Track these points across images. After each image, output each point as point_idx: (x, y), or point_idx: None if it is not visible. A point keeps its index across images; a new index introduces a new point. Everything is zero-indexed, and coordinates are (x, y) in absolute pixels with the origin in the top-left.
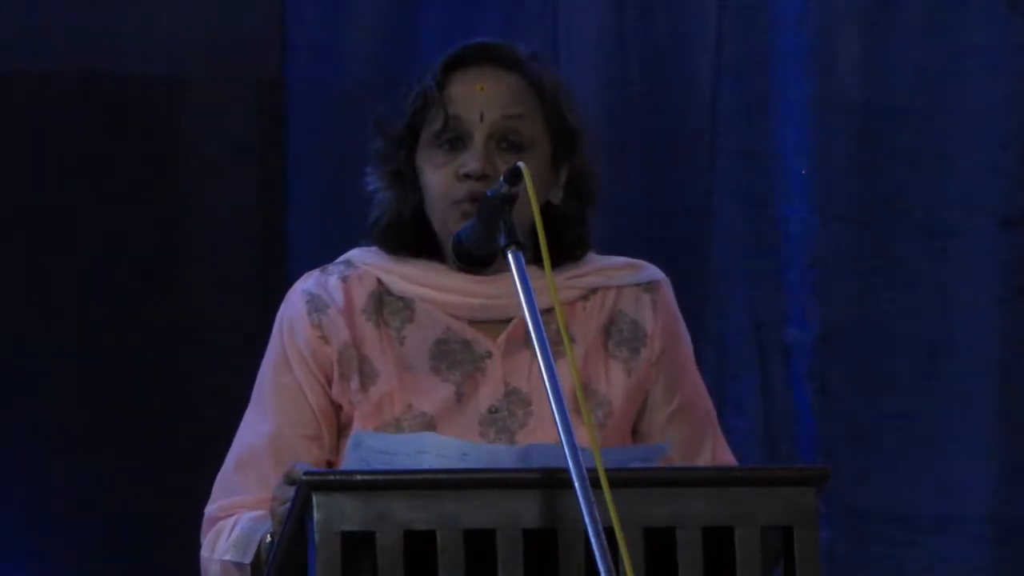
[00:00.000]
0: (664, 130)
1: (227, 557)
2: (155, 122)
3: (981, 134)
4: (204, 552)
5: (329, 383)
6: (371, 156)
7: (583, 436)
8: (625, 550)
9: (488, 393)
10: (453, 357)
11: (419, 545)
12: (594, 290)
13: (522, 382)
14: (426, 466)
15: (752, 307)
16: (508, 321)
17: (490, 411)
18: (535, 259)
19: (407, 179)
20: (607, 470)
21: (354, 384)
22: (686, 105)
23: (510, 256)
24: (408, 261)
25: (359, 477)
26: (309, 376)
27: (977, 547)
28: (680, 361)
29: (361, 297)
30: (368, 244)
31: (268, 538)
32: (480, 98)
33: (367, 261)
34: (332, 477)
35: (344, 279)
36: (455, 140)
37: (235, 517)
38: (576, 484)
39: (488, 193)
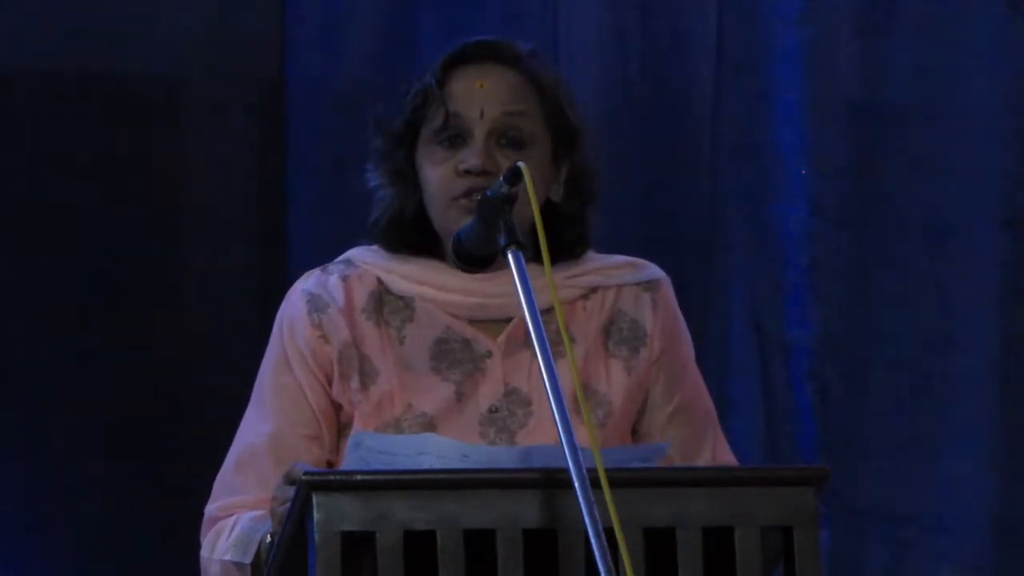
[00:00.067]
0: (664, 130)
1: (227, 557)
2: (155, 122)
3: (981, 134)
4: (204, 552)
5: (329, 383)
6: (371, 154)
7: (583, 436)
8: (625, 550)
9: (488, 393)
10: (453, 356)
11: (419, 545)
12: (594, 289)
13: (522, 382)
14: (426, 467)
15: (753, 308)
16: (508, 320)
17: (490, 411)
18: (535, 257)
19: (407, 177)
20: (607, 470)
21: (354, 384)
22: (686, 105)
23: (510, 256)
24: (408, 260)
25: (359, 477)
26: (309, 376)
27: (977, 547)
28: (680, 360)
29: (361, 296)
30: (368, 243)
31: (268, 538)
32: (480, 95)
33: (367, 260)
34: (332, 477)
35: (344, 278)
36: (455, 137)
37: (235, 517)
38: (576, 484)
39: (488, 193)
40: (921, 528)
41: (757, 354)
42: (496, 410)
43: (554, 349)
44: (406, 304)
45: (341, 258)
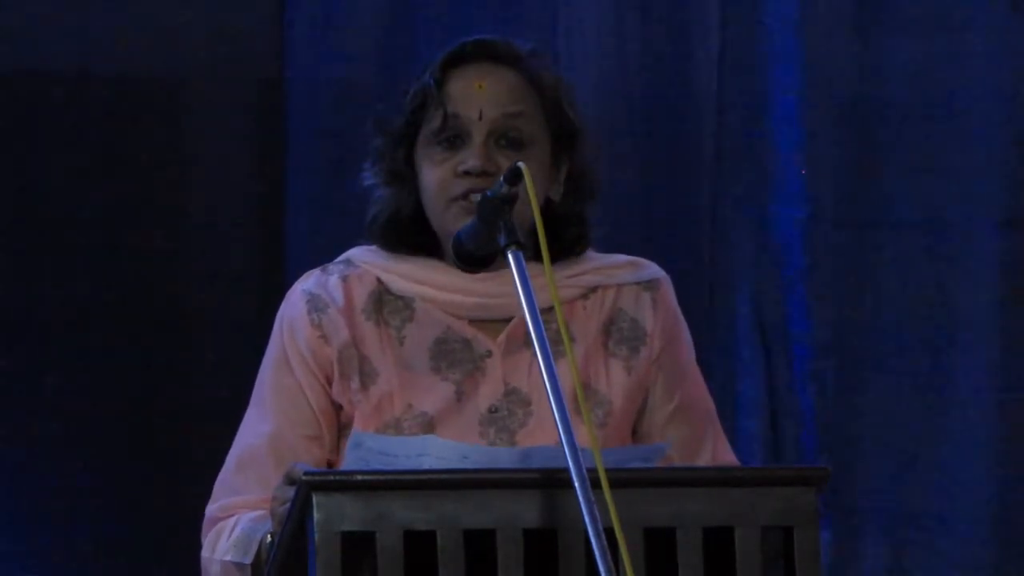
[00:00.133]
0: (665, 131)
1: (227, 557)
2: (155, 122)
3: (981, 134)
4: (205, 552)
5: (329, 383)
6: (370, 153)
7: (583, 436)
8: (625, 550)
9: (488, 393)
10: (453, 356)
11: (419, 545)
12: (594, 289)
13: (522, 382)
14: (426, 468)
15: (757, 309)
16: (508, 320)
17: (490, 411)
18: (535, 257)
19: (405, 177)
20: (607, 470)
21: (354, 384)
22: (687, 106)
23: (510, 256)
24: (408, 259)
25: (359, 477)
26: (309, 376)
27: (978, 548)
28: (680, 360)
29: (361, 297)
30: (368, 243)
31: (268, 538)
32: (479, 96)
33: (367, 260)
34: (332, 477)
35: (344, 279)
36: (454, 138)
37: (235, 517)
38: (576, 484)
39: (488, 193)
40: (922, 528)
41: (763, 355)
42: (496, 410)
43: (554, 349)
44: (406, 304)
45: (341, 258)
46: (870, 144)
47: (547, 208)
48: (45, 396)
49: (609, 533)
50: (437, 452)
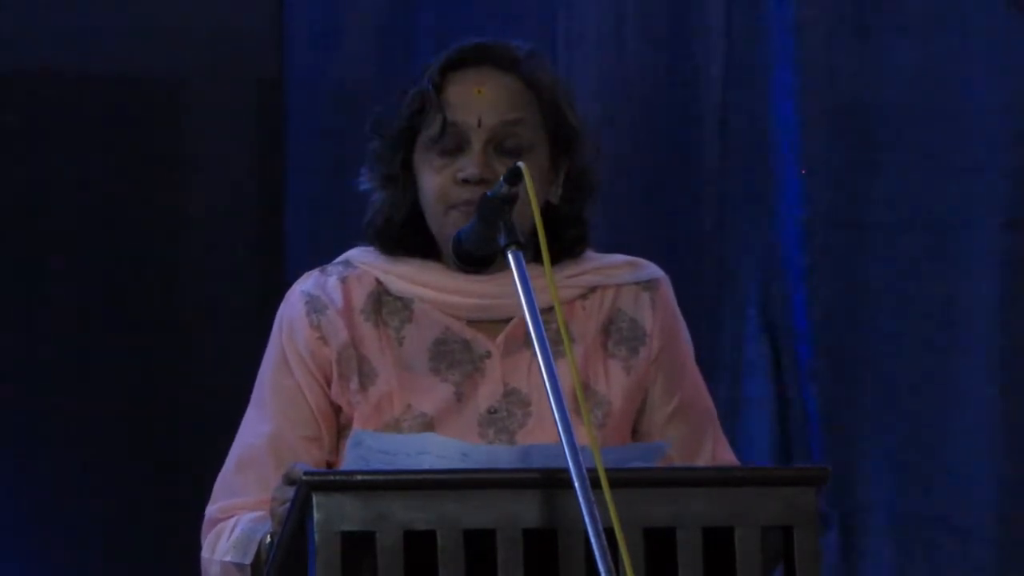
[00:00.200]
0: (668, 131)
1: (227, 558)
2: (155, 122)
3: (982, 135)
4: (204, 553)
5: (328, 384)
6: (367, 156)
7: (583, 436)
8: (625, 550)
9: (487, 393)
10: (452, 357)
11: (419, 545)
12: (593, 289)
13: (521, 382)
14: (426, 466)
15: (764, 309)
16: (507, 321)
17: (489, 411)
18: (534, 258)
19: (403, 180)
20: (607, 470)
21: (353, 385)
22: (690, 106)
23: (510, 256)
24: (406, 261)
25: (359, 477)
26: (308, 377)
27: (981, 548)
28: (679, 360)
29: (360, 297)
30: (367, 244)
31: (268, 538)
32: (478, 102)
33: (366, 261)
34: (332, 477)
35: (343, 279)
36: (453, 145)
37: (235, 518)
38: (576, 484)
39: (488, 193)
40: (925, 528)
41: (769, 355)
42: (495, 411)
43: (553, 349)
44: (405, 305)
45: (340, 259)
46: (870, 144)
47: (546, 210)
48: (45, 396)
49: (609, 533)
50: (437, 450)
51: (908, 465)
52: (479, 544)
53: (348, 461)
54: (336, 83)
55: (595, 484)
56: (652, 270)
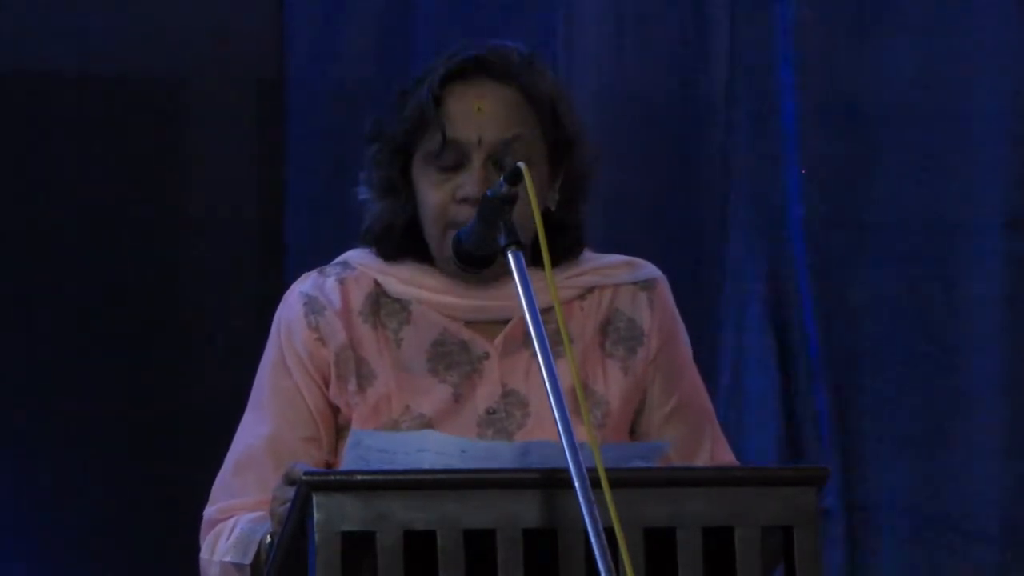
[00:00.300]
0: (668, 130)
1: (227, 559)
2: (155, 122)
3: (985, 134)
4: (203, 554)
5: (327, 385)
6: (366, 161)
7: (582, 436)
8: (625, 550)
9: (485, 394)
10: (450, 358)
11: (419, 545)
12: (591, 289)
13: (519, 383)
14: (425, 464)
15: (764, 309)
16: (505, 322)
17: (488, 412)
18: (533, 261)
19: (401, 189)
20: (607, 470)
21: (351, 386)
22: (690, 106)
23: (510, 256)
24: (403, 263)
25: (359, 477)
26: (307, 378)
27: (987, 547)
28: (677, 360)
29: (358, 299)
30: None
31: (268, 539)
32: (478, 120)
33: (364, 262)
34: (332, 477)
35: (341, 281)
36: (452, 162)
37: (234, 519)
38: (576, 484)
39: (488, 193)
40: (932, 527)
41: (775, 353)
42: (494, 412)
43: (552, 349)
44: (403, 306)
45: (338, 260)
46: (870, 144)
47: (544, 216)
48: (45, 396)
49: (609, 533)
50: (436, 447)
51: (912, 465)
52: (479, 544)
53: (347, 461)
54: (336, 83)
55: (595, 484)
56: (650, 270)
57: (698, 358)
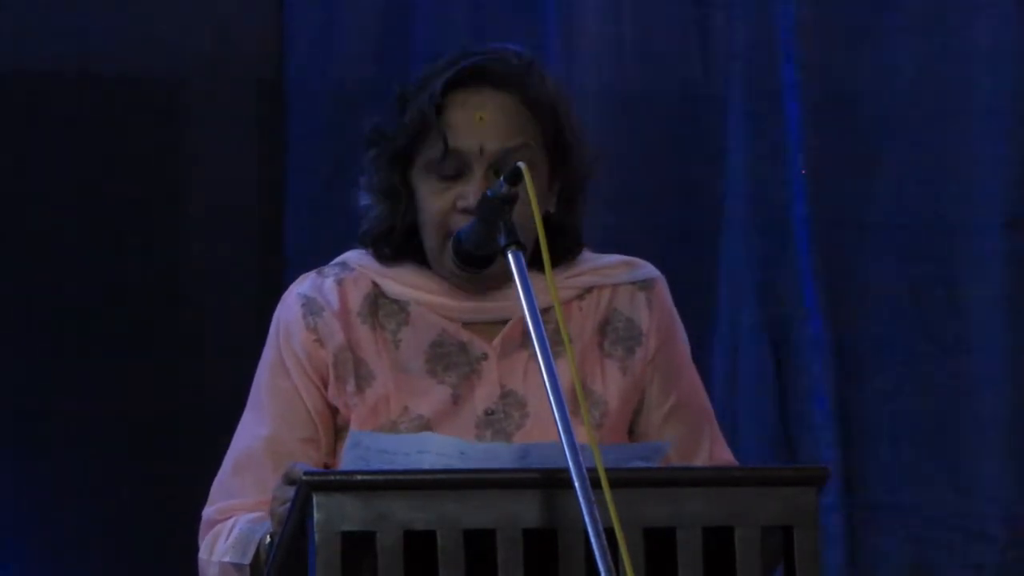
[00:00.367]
0: (668, 130)
1: (226, 559)
2: (155, 122)
3: (985, 134)
4: (202, 555)
5: (325, 386)
6: (365, 165)
7: (581, 436)
8: (625, 550)
9: (484, 395)
10: (449, 359)
11: (419, 545)
12: (589, 289)
13: (518, 384)
14: (425, 465)
15: (769, 308)
16: (503, 323)
17: (486, 413)
18: (532, 262)
19: (400, 194)
20: (607, 470)
21: (350, 387)
22: (689, 106)
23: (510, 256)
24: (402, 265)
25: (359, 477)
26: (305, 379)
27: (986, 547)
28: (676, 360)
29: (356, 300)
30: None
31: (268, 539)
32: (479, 129)
33: (363, 263)
34: (332, 477)
35: (340, 282)
36: (453, 171)
37: (233, 519)
38: (576, 484)
39: (488, 193)
40: (932, 527)
41: (770, 353)
42: (492, 412)
43: (551, 349)
44: (401, 307)
45: (337, 261)
46: (870, 144)
47: (544, 219)
48: (45, 396)
49: (609, 533)
50: (435, 448)
51: (912, 464)
52: (479, 544)
53: (347, 462)
54: (336, 83)
55: (595, 484)
56: (648, 270)
57: (696, 358)
